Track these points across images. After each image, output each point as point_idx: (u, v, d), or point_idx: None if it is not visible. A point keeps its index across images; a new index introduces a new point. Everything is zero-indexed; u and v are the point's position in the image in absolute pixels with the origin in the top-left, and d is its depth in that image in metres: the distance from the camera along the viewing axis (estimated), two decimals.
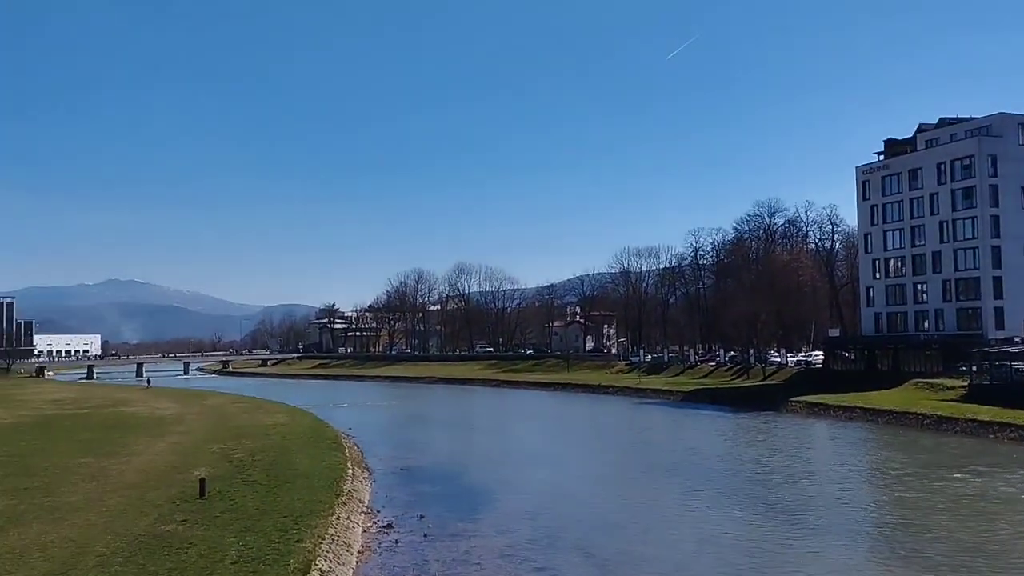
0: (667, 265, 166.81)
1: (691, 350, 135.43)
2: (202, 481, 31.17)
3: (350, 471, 40.27)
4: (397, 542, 28.80)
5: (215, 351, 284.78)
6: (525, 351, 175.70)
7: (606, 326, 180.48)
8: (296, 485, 34.11)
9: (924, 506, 35.57)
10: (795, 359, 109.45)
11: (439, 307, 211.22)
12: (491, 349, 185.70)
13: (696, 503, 36.42)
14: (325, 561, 23.86)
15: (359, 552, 26.98)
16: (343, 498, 33.13)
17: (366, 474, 43.00)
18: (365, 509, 33.94)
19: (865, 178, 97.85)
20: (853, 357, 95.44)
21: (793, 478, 42.86)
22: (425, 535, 29.76)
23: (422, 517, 32.76)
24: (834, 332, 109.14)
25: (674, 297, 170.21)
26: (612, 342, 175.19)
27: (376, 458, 49.86)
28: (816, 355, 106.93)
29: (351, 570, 24.77)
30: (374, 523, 31.72)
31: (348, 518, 30.68)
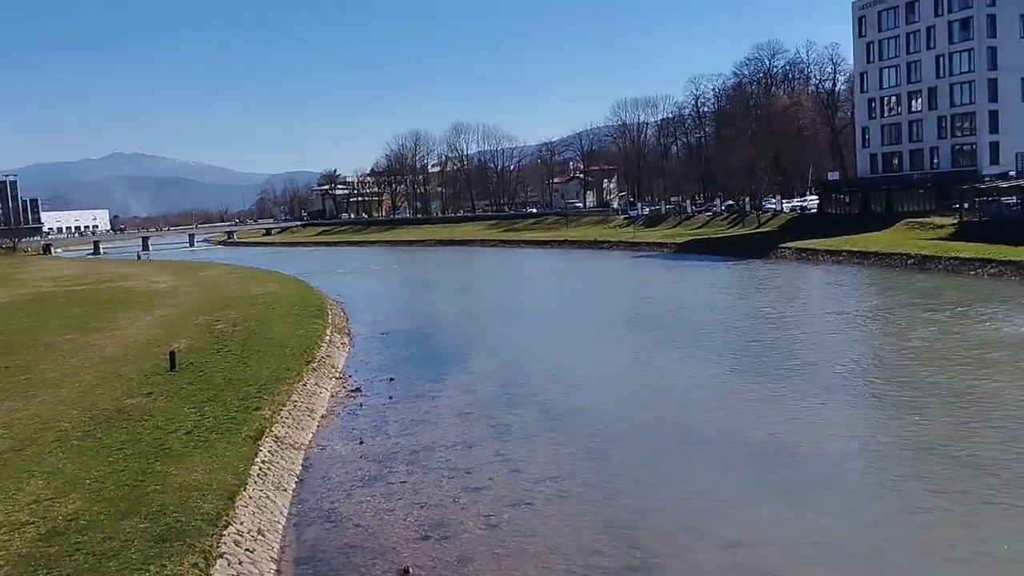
0: (666, 116, 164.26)
1: (688, 201, 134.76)
2: (171, 353, 31.81)
3: (328, 337, 41.01)
4: (362, 405, 29.60)
5: (222, 222, 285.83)
6: (526, 209, 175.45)
7: (606, 180, 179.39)
8: (269, 354, 34.80)
9: (895, 348, 36.17)
10: (791, 205, 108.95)
11: (439, 169, 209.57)
12: (491, 208, 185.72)
13: (669, 356, 36.95)
14: (283, 427, 24.63)
15: (322, 417, 27.80)
16: (314, 365, 33.88)
17: (346, 340, 43.77)
18: (337, 374, 34.72)
19: (861, 13, 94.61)
20: (848, 200, 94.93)
21: (769, 325, 43.43)
22: (390, 397, 30.53)
23: (391, 380, 33.52)
24: (834, 176, 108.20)
25: (675, 148, 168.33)
26: (613, 196, 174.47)
27: (360, 323, 50.62)
28: (812, 200, 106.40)
29: (311, 434, 25.56)
30: (343, 387, 32.51)
31: (316, 384, 31.48)
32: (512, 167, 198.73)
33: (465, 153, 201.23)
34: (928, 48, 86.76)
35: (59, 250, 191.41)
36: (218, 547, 15.42)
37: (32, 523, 16.15)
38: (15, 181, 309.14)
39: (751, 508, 18.73)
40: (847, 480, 20.35)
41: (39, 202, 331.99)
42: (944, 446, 21.99)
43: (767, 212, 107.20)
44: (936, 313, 42.90)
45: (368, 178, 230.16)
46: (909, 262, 62.91)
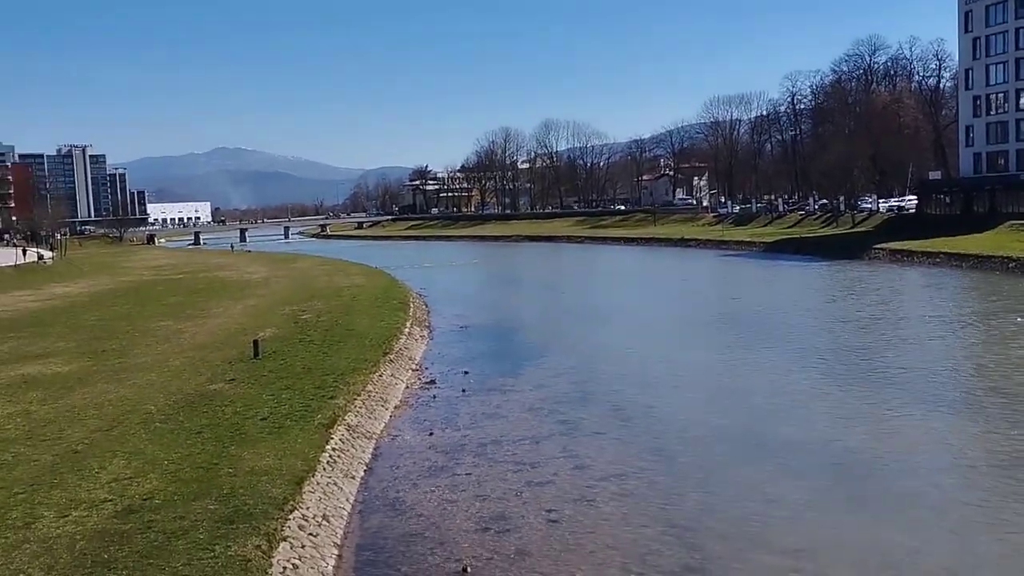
0: (761, 113, 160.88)
1: (780, 199, 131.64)
2: (255, 342, 32.81)
3: (407, 330, 41.64)
4: (435, 397, 29.96)
5: (317, 215, 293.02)
6: (614, 206, 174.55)
7: (696, 178, 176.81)
8: (349, 344, 35.56)
9: (995, 357, 34.73)
10: (887, 205, 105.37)
11: (528, 165, 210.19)
12: (580, 205, 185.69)
13: (752, 358, 36.03)
14: (356, 416, 25.11)
15: (395, 407, 28.24)
16: (391, 356, 34.43)
17: (425, 332, 44.32)
18: (414, 366, 35.19)
19: (968, 8, 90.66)
20: (949, 200, 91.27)
21: (860, 329, 42.16)
22: (463, 390, 30.78)
23: (466, 373, 33.78)
24: (935, 175, 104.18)
25: (770, 145, 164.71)
26: (704, 194, 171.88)
27: (441, 317, 51.20)
28: (910, 200, 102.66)
29: (383, 424, 26.00)
30: (419, 379, 32.94)
31: (392, 375, 31.99)
32: (602, 164, 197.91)
33: (555, 150, 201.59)
34: None
35: (162, 240, 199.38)
36: (282, 530, 15.84)
37: (110, 500, 16.90)
38: (124, 174, 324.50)
39: (822, 517, 18.18)
40: (931, 495, 19.26)
41: (146, 194, 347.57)
42: None
43: (862, 212, 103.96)
44: None
45: (458, 174, 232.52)
46: (1011, 266, 60.14)
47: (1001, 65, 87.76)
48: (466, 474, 21.42)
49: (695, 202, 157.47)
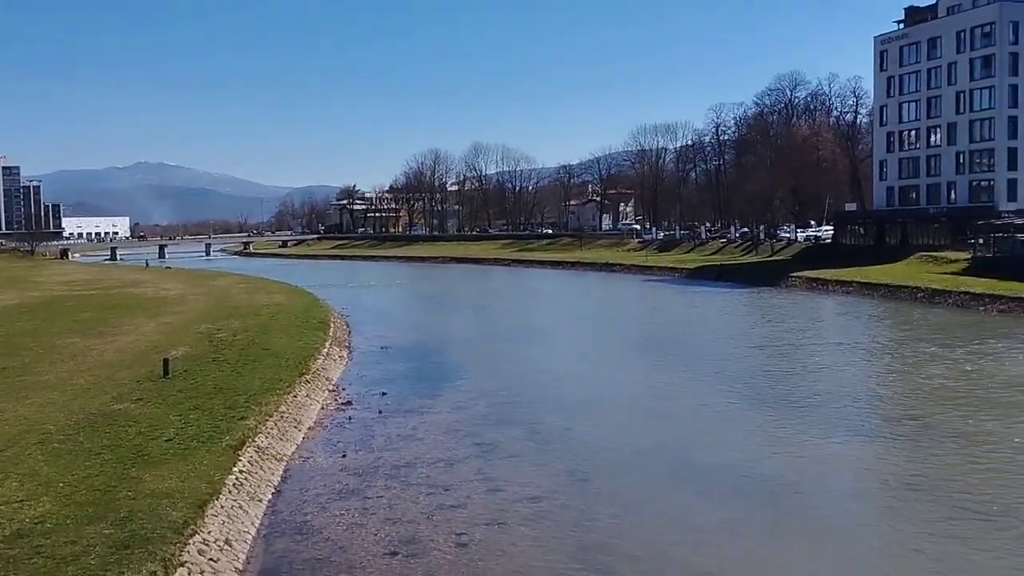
0: (686, 143, 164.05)
1: (703, 227, 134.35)
2: (165, 361, 31.79)
3: (325, 350, 40.99)
4: (351, 419, 29.45)
5: (241, 232, 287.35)
6: (542, 230, 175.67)
7: (622, 204, 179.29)
8: (264, 364, 34.73)
9: (899, 384, 35.73)
10: (805, 235, 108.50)
11: (457, 187, 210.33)
12: (508, 228, 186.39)
13: (669, 383, 36.53)
14: (266, 438, 24.50)
15: (309, 429, 27.65)
16: (307, 376, 33.81)
17: (344, 353, 43.69)
18: (330, 387, 34.60)
19: (883, 48, 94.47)
20: (863, 232, 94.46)
21: (776, 356, 43.03)
22: (380, 412, 30.35)
23: (384, 394, 33.35)
24: (851, 207, 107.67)
25: (694, 174, 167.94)
26: (629, 220, 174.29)
27: (362, 337, 50.57)
28: (827, 231, 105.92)
29: (295, 446, 25.42)
30: (335, 400, 32.39)
31: (307, 396, 31.38)
32: (530, 188, 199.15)
33: (484, 173, 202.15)
34: (949, 84, 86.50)
35: (76, 255, 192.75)
36: (180, 556, 15.27)
37: None
38: (39, 187, 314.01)
39: (733, 540, 18.38)
40: (840, 518, 19.74)
41: (61, 208, 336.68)
42: (946, 487, 21.32)
43: (781, 241, 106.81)
44: (944, 349, 42.27)
45: (387, 194, 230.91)
46: (919, 295, 62.34)
47: (914, 103, 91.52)
48: (377, 497, 21.04)
49: (638, 227, 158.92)
